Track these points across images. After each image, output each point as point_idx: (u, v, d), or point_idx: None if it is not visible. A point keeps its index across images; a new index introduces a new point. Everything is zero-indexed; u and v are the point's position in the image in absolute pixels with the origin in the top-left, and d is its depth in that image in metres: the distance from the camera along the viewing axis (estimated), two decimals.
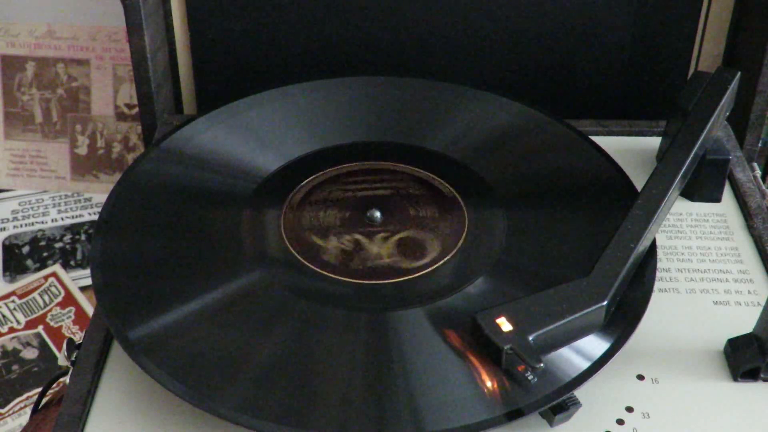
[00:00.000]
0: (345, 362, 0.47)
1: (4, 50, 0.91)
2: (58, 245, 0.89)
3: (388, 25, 0.70)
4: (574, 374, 0.46)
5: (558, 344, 0.47)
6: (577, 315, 0.47)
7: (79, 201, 0.92)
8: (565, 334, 0.47)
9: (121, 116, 0.91)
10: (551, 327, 0.46)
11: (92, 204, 0.92)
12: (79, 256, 0.88)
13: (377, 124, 0.63)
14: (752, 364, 0.48)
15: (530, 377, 0.45)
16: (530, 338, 0.45)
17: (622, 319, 0.48)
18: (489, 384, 0.45)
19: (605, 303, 0.47)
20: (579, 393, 0.46)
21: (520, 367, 0.45)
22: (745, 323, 0.50)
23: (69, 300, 0.85)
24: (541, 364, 0.44)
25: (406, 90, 0.65)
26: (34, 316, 0.84)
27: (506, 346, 0.45)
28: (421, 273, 0.52)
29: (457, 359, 0.47)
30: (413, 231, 0.55)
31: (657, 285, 0.53)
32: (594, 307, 0.47)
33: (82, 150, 0.92)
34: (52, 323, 0.83)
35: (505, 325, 0.46)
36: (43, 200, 0.92)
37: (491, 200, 0.57)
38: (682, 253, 0.57)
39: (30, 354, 0.82)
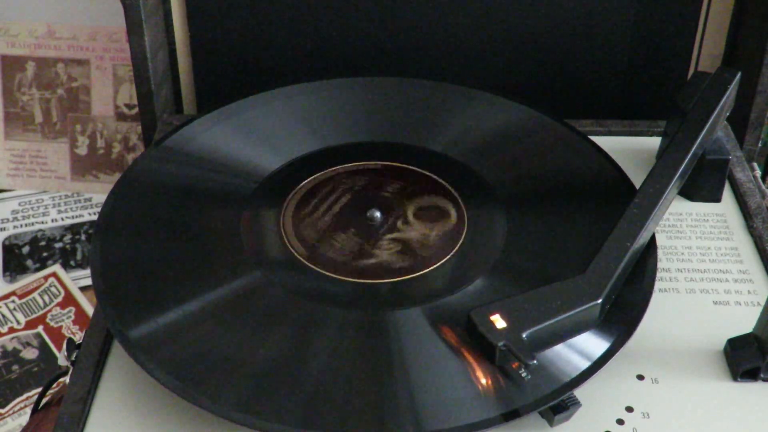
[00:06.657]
0: (344, 362, 0.47)
1: (4, 50, 0.91)
2: (58, 245, 0.89)
3: (388, 25, 0.70)
4: (573, 374, 0.46)
5: (553, 341, 0.47)
6: (571, 312, 0.47)
7: (79, 201, 0.92)
8: (560, 332, 0.47)
9: (121, 116, 0.91)
10: (545, 324, 0.46)
11: (92, 204, 0.92)
12: (79, 256, 0.88)
13: (377, 125, 0.63)
14: (752, 364, 0.48)
15: (524, 374, 0.45)
16: (524, 335, 0.45)
17: (623, 319, 0.48)
18: (488, 384, 0.45)
19: (600, 301, 0.47)
20: (579, 393, 0.46)
21: (515, 364, 0.45)
22: (745, 323, 0.50)
23: (69, 300, 0.85)
24: (535, 361, 0.44)
25: (406, 90, 0.65)
26: (34, 316, 0.84)
27: (500, 343, 0.45)
28: (421, 272, 0.52)
29: (456, 359, 0.47)
30: (420, 201, 0.55)
31: (657, 285, 0.53)
32: (588, 305, 0.47)
33: (82, 150, 0.92)
34: (52, 323, 0.83)
35: (499, 322, 0.46)
36: (43, 200, 0.92)
37: (491, 200, 0.57)
38: (682, 253, 0.57)
39: (30, 354, 0.82)
